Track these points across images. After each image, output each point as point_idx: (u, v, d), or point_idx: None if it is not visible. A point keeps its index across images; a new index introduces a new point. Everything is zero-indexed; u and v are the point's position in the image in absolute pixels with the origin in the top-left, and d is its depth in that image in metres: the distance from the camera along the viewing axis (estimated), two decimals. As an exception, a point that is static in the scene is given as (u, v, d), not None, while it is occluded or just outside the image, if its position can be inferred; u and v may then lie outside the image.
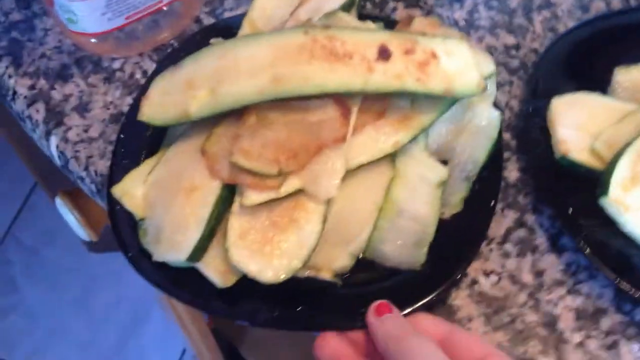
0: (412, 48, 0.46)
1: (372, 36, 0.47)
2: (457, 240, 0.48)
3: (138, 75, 0.61)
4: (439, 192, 0.47)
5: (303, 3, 0.53)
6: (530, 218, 0.51)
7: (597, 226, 0.47)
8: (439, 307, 0.48)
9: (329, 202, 0.46)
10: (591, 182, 0.48)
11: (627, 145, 0.47)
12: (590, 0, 0.63)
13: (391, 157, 0.48)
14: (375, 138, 0.47)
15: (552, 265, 0.49)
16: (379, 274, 0.47)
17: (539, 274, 0.48)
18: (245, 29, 0.54)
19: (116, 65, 0.62)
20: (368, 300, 0.44)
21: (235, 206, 0.46)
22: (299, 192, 0.46)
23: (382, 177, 0.48)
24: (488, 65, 0.50)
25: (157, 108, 0.48)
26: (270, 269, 0.44)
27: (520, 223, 0.51)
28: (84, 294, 1.47)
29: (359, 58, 0.45)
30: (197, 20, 0.66)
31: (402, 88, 0.45)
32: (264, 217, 0.45)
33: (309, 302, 0.46)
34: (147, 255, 0.47)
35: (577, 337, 0.46)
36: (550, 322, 0.47)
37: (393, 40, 0.47)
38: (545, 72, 0.55)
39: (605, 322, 0.47)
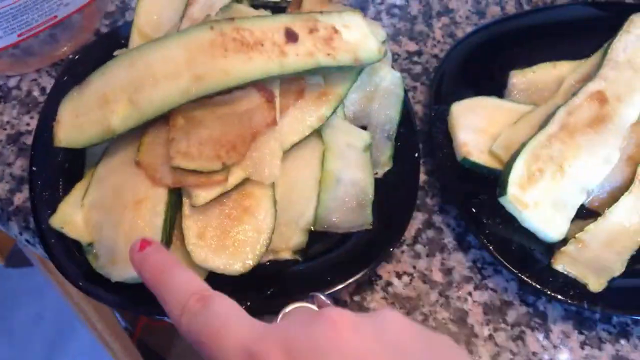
0: (315, 26, 0.49)
1: (276, 21, 0.48)
2: (395, 194, 0.51)
3: (36, 93, 0.58)
4: (368, 155, 0.51)
5: (192, 2, 0.53)
6: (438, 219, 0.53)
7: (499, 224, 0.49)
8: (355, 309, 0.49)
9: (274, 185, 0.47)
10: (492, 182, 0.50)
11: (523, 145, 0.50)
12: (486, 5, 0.67)
13: (318, 132, 0.49)
14: (301, 117, 0.49)
15: (460, 262, 0.51)
16: (335, 241, 0.49)
17: (448, 272, 0.50)
18: (134, 36, 0.54)
19: (12, 83, 0.59)
20: (332, 268, 0.47)
21: (186, 208, 0.45)
22: (244, 181, 0.46)
23: (314, 152, 0.49)
24: (380, 32, 0.53)
25: (73, 131, 0.46)
26: (237, 260, 0.44)
27: (429, 224, 0.53)
28: (3, 312, 1.39)
29: (269, 44, 0.47)
30: (98, 33, 0.64)
31: (317, 64, 0.47)
32: (217, 212, 0.45)
33: (278, 284, 0.46)
34: (98, 279, 0.45)
35: (486, 331, 0.48)
36: (461, 318, 0.48)
37: (296, 22, 0.48)
38: (446, 77, 0.57)
39: (512, 315, 0.49)
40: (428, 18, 0.66)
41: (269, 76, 0.46)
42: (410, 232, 0.52)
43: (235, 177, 0.45)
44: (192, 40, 0.46)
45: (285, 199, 0.48)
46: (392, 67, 0.56)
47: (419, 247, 0.51)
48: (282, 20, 0.48)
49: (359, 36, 0.50)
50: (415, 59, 0.63)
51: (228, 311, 0.32)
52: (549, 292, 0.46)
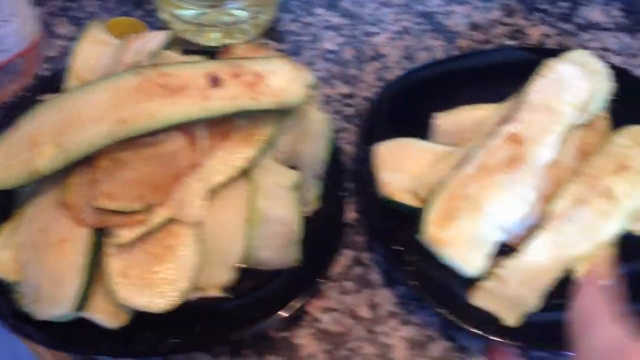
0: (239, 72, 0.51)
1: (201, 67, 0.50)
2: (322, 232, 0.52)
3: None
4: (296, 195, 0.52)
5: (126, 48, 0.55)
6: (366, 256, 0.55)
7: (421, 260, 0.51)
8: (283, 346, 0.50)
9: (199, 224, 0.48)
10: (415, 220, 0.52)
11: (441, 185, 0.52)
12: (415, 50, 0.70)
13: (247, 172, 0.51)
14: (227, 158, 0.50)
15: (386, 298, 0.52)
16: (264, 278, 0.50)
17: (374, 307, 0.52)
18: (71, 81, 0.55)
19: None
20: (260, 304, 0.48)
21: (109, 247, 0.46)
22: (169, 221, 0.47)
23: (242, 191, 0.51)
24: (308, 76, 0.55)
25: (2, 172, 0.48)
26: (160, 298, 0.45)
27: (357, 261, 0.54)
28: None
29: (193, 89, 0.49)
30: (38, 77, 0.65)
31: (240, 108, 0.49)
32: (141, 251, 0.47)
33: (206, 321, 0.48)
34: (27, 317, 0.46)
35: (410, 365, 0.50)
36: (385, 353, 0.50)
37: (221, 67, 0.50)
38: (374, 119, 0.60)
39: (435, 349, 0.50)
40: (360, 63, 0.69)
41: (192, 119, 0.48)
42: (338, 269, 0.54)
43: (159, 216, 0.46)
44: (118, 85, 0.48)
45: (214, 237, 0.49)
46: (323, 109, 0.58)
47: (347, 284, 0.53)
48: (207, 66, 0.50)
49: (284, 81, 0.52)
50: (348, 101, 0.66)
51: None
52: (468, 327, 0.48)
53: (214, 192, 0.50)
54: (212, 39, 0.68)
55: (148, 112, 0.47)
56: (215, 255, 0.49)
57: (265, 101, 0.51)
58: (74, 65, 0.56)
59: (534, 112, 0.58)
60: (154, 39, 0.57)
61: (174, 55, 0.55)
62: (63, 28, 0.70)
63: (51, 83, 0.58)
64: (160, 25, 0.69)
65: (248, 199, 0.51)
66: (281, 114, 0.53)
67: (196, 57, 0.57)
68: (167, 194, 0.47)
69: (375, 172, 0.55)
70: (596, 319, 0.40)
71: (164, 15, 0.68)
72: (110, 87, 0.48)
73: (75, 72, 0.56)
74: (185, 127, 0.49)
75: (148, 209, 0.46)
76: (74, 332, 0.47)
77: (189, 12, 0.65)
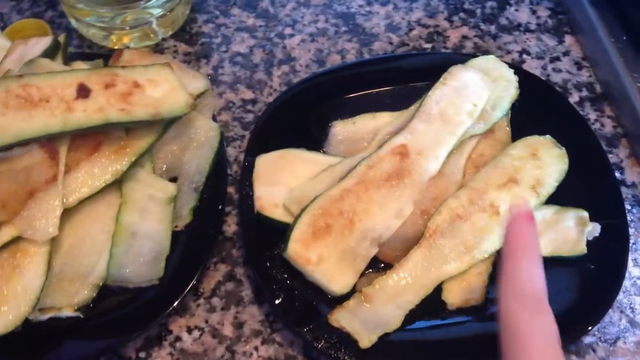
0: (112, 81, 0.49)
1: (70, 77, 0.49)
2: (192, 247, 0.51)
3: None
4: (170, 208, 0.51)
5: (9, 54, 0.54)
6: (240, 271, 0.53)
7: (288, 277, 0.50)
8: (138, 367, 0.49)
9: (53, 242, 0.47)
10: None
11: (312, 201, 0.50)
12: (327, 54, 0.68)
13: (118, 186, 0.50)
14: (92, 172, 0.49)
15: (253, 316, 0.51)
16: (124, 297, 0.49)
17: (239, 325, 0.51)
18: None
19: None
20: (119, 323, 0.47)
21: None
22: (18, 239, 0.46)
23: (110, 206, 0.50)
24: (200, 83, 0.54)
25: None
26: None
27: (230, 276, 0.53)
28: None
29: (56, 100, 0.47)
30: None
31: (106, 120, 0.48)
32: None
33: (53, 343, 0.47)
34: None
35: (269, 386, 0.49)
36: (244, 373, 0.49)
37: (92, 77, 0.49)
38: (265, 128, 0.58)
39: (299, 368, 0.49)
40: (269, 66, 0.67)
41: (49, 133, 0.47)
42: (210, 285, 0.52)
43: (4, 235, 0.45)
44: (-24, 97, 0.47)
45: (73, 253, 0.48)
46: (217, 116, 0.56)
47: (215, 300, 0.52)
48: (77, 76, 0.49)
49: (166, 90, 0.51)
50: (249, 107, 0.64)
51: (550, 339, 0.38)
52: (322, 349, 0.46)
53: (78, 207, 0.48)
54: (117, 42, 0.66)
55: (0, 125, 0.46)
56: (74, 272, 0.48)
57: (139, 112, 0.49)
58: (-39, 72, 0.56)
59: (428, 122, 0.56)
60: (37, 45, 0.56)
61: (49, 63, 0.54)
62: (-29, 30, 0.70)
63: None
64: (71, 27, 0.68)
65: (115, 213, 0.50)
66: (162, 124, 0.51)
67: (81, 65, 0.56)
68: (15, 211, 0.46)
69: (253, 184, 0.53)
70: (525, 249, 0.42)
71: (71, 19, 0.67)
72: (-32, 98, 0.47)
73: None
74: (44, 141, 0.48)
75: (-8, 227, 0.45)
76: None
77: (94, 17, 0.64)
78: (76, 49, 0.67)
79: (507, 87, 0.59)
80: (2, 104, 0.47)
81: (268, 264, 0.50)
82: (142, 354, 0.49)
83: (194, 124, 0.55)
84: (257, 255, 0.51)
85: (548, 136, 0.56)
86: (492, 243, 0.50)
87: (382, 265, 0.52)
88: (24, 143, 0.47)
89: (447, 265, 0.50)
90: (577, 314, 0.48)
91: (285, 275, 0.50)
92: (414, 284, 0.49)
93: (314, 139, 0.58)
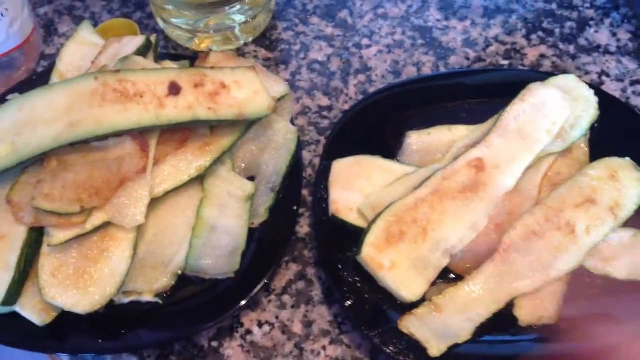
0: (201, 81, 0.51)
1: (162, 75, 0.51)
2: (267, 244, 0.53)
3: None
4: (248, 205, 0.53)
5: (103, 51, 0.57)
6: (311, 271, 0.54)
7: (359, 281, 0.50)
8: (210, 355, 0.50)
9: (139, 229, 0.49)
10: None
11: (387, 207, 0.51)
12: (403, 66, 0.69)
13: (200, 181, 0.52)
14: (178, 165, 0.51)
15: (322, 316, 0.52)
16: (200, 287, 0.51)
17: (308, 324, 0.52)
18: (54, 80, 0.57)
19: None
20: (194, 312, 0.49)
21: (45, 247, 0.48)
22: (108, 224, 0.49)
23: (192, 199, 0.52)
24: (280, 87, 0.56)
25: None
26: (84, 299, 0.47)
27: (301, 275, 0.54)
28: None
29: (150, 96, 0.50)
30: (35, 72, 0.68)
31: (195, 118, 0.50)
32: (75, 252, 0.48)
33: (133, 325, 0.49)
34: None
35: (333, 385, 0.49)
36: (313, 371, 0.50)
37: (183, 76, 0.51)
38: (341, 134, 0.59)
39: (363, 371, 0.50)
40: (346, 75, 0.68)
41: (142, 127, 0.49)
42: (281, 283, 0.54)
43: (95, 220, 0.48)
44: (76, 89, 0.50)
45: (156, 242, 0.50)
46: (294, 120, 0.57)
47: (286, 298, 0.53)
48: (169, 74, 0.51)
49: (249, 92, 0.52)
50: (325, 113, 0.65)
51: None
52: (391, 354, 0.47)
53: (162, 198, 0.51)
54: (201, 45, 0.69)
55: (97, 117, 0.49)
56: (156, 259, 0.50)
57: (225, 112, 0.51)
58: (59, 66, 0.59)
59: (506, 137, 0.56)
60: (130, 44, 0.59)
61: (142, 61, 0.56)
62: (65, 26, 0.73)
63: (39, 81, 0.61)
64: (158, 28, 0.71)
65: (196, 207, 0.51)
66: (245, 124, 0.53)
67: (170, 64, 0.59)
68: (106, 198, 0.48)
69: (328, 188, 0.54)
70: None
71: (159, 20, 0.70)
72: (68, 90, 0.50)
73: (59, 72, 0.58)
74: (136, 134, 0.50)
75: (85, 212, 0.47)
76: (6, 324, 0.49)
77: (181, 20, 0.67)
78: (162, 49, 0.70)
79: (587, 108, 0.58)
80: (100, 97, 0.49)
81: (340, 266, 0.51)
82: (214, 344, 0.51)
83: (273, 126, 0.57)
84: (329, 257, 0.52)
85: (628, 159, 0.55)
86: (567, 263, 0.50)
87: (453, 276, 0.52)
88: (118, 134, 0.50)
89: (521, 281, 0.49)
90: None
91: (357, 279, 0.51)
92: (485, 298, 0.49)
93: (388, 148, 0.59)
